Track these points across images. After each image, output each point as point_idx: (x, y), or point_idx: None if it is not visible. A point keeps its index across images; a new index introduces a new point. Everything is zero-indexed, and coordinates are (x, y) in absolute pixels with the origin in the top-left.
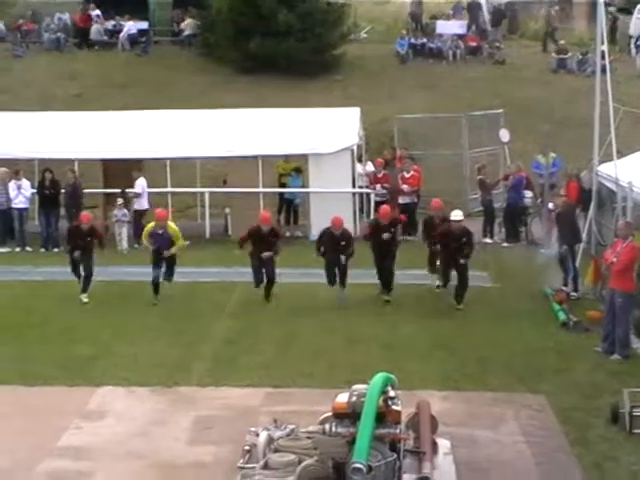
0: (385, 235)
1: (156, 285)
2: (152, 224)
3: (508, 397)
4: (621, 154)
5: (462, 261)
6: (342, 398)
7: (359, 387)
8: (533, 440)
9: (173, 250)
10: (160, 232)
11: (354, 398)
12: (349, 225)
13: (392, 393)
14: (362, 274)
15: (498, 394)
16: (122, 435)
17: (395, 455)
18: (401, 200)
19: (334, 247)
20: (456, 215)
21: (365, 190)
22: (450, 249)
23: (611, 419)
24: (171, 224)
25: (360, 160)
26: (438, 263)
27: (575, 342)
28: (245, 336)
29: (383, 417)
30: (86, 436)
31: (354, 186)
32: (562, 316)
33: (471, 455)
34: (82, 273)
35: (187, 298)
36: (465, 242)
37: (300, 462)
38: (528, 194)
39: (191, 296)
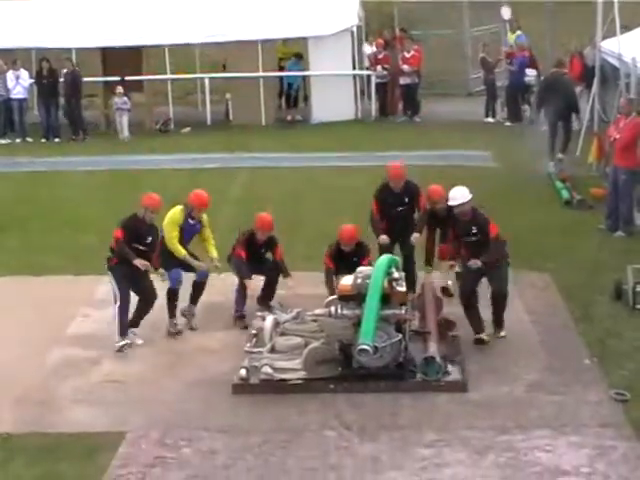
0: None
1: (175, 295)
2: (180, 209)
3: (513, 276)
4: (627, 29)
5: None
6: (347, 280)
7: (364, 269)
8: (538, 318)
9: (215, 255)
10: (192, 223)
11: (359, 280)
12: (350, 108)
13: (396, 274)
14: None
15: None
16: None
17: (401, 335)
18: (402, 81)
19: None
20: (455, 198)
21: (365, 72)
22: (466, 251)
23: (615, 296)
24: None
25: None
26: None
27: (579, 220)
28: (249, 222)
29: (388, 298)
30: (94, 324)
31: (354, 68)
32: (565, 194)
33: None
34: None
35: (190, 185)
36: (477, 233)
37: (307, 345)
38: (532, 72)
39: (194, 183)
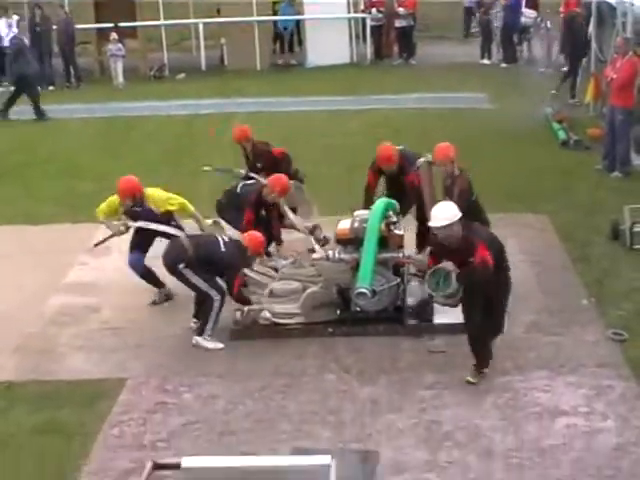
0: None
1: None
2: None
3: (510, 218)
4: None
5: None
6: (344, 224)
7: (361, 213)
8: (535, 259)
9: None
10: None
11: (356, 224)
12: (345, 51)
13: (394, 218)
14: None
15: (500, 215)
16: (127, 269)
17: (399, 279)
18: (397, 23)
19: None
20: (436, 219)
21: (360, 15)
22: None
23: (612, 236)
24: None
25: None
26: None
27: (576, 161)
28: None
29: (386, 242)
30: (92, 272)
31: (349, 11)
32: (562, 135)
33: None
34: None
35: (186, 131)
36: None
37: (305, 289)
38: (531, 13)
39: (190, 128)
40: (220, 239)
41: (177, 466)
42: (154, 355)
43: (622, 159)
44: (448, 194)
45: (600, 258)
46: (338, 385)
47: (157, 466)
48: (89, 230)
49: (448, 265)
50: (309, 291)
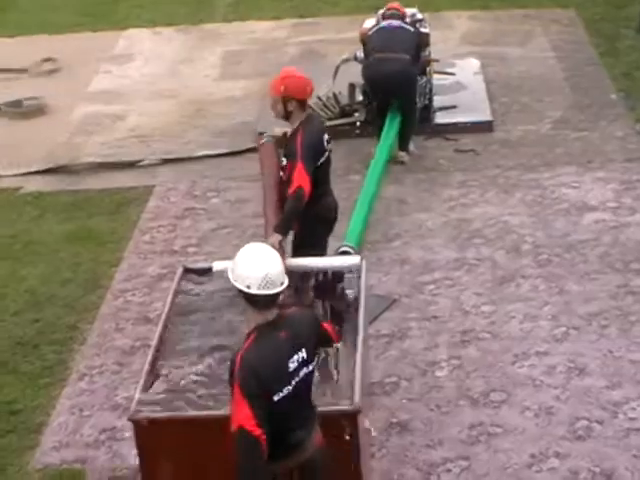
0: None
1: None
2: None
3: (537, 13)
4: None
5: None
6: (368, 24)
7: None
8: (563, 54)
9: None
10: None
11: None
12: None
13: (419, 15)
14: None
15: (527, 11)
16: (151, 76)
17: (425, 77)
18: None
19: None
20: None
21: None
22: None
23: None
24: None
25: None
26: None
27: None
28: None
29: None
30: (116, 80)
31: None
32: None
33: (502, 72)
34: None
35: None
36: None
37: None
38: None
39: None
40: None
41: (208, 270)
42: (182, 161)
43: None
44: None
45: (629, 51)
46: None
47: (188, 270)
48: (110, 38)
49: None
50: None
